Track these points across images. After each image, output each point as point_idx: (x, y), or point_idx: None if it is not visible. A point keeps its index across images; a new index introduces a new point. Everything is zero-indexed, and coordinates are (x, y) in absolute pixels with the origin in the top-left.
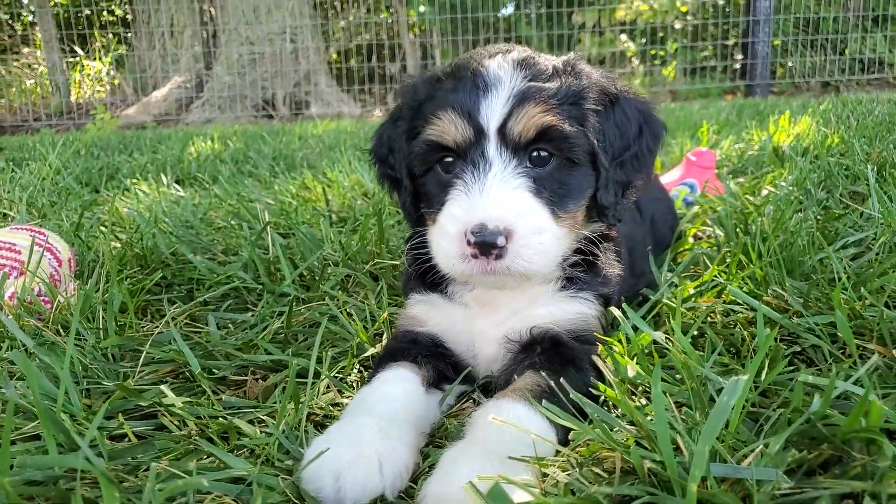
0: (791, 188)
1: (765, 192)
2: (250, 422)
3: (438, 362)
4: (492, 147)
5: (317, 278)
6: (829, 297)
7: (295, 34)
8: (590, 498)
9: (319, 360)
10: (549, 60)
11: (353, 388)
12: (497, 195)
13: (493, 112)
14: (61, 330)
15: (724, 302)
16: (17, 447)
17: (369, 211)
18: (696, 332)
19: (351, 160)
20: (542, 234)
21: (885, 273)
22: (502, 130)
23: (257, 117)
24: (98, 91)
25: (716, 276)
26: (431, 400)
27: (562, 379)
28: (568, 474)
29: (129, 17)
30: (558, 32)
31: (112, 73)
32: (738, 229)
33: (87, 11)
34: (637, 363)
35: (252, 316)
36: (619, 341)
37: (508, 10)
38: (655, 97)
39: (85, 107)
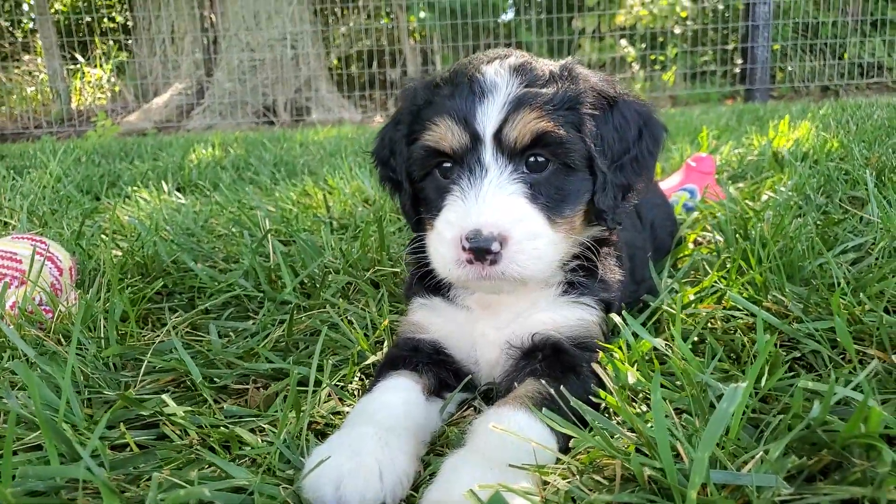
0: (791, 193)
1: (764, 198)
2: (252, 431)
3: (440, 370)
4: (488, 153)
5: (318, 286)
6: (829, 303)
7: (295, 40)
8: None
9: (320, 369)
10: (546, 65)
11: (355, 397)
12: (492, 201)
13: (489, 118)
14: (62, 339)
15: (724, 308)
16: (19, 457)
17: (370, 218)
18: (696, 339)
19: (352, 167)
20: (537, 240)
21: (885, 278)
22: (498, 136)
23: (258, 124)
24: (99, 98)
25: (716, 282)
26: (432, 408)
27: (562, 386)
28: (568, 482)
29: (130, 23)
30: (558, 38)
31: (113, 79)
32: (737, 235)
33: (88, 18)
34: (637, 370)
35: (253, 324)
36: (620, 348)
37: (508, 15)
38: (655, 102)
39: (86, 114)
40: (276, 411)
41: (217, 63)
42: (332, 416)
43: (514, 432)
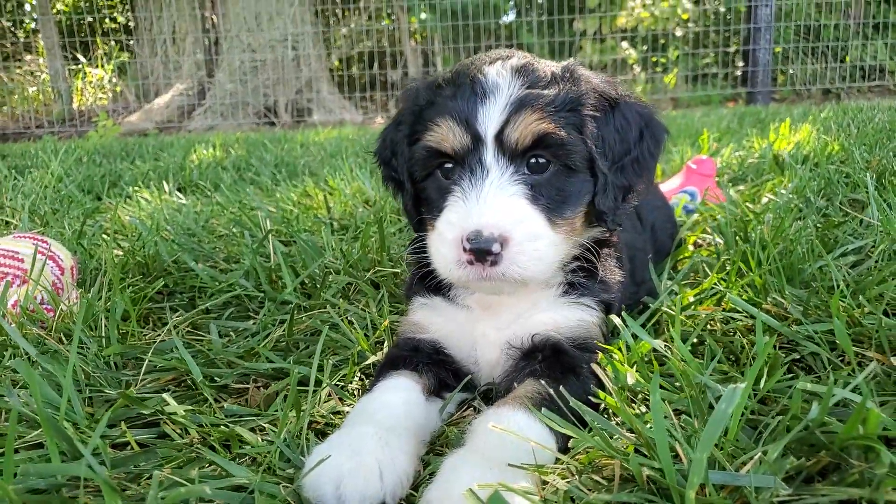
0: (791, 196)
1: (765, 200)
2: (252, 430)
3: (440, 370)
4: (489, 154)
5: (318, 286)
6: (828, 305)
7: (296, 41)
8: None
9: (321, 368)
10: (548, 67)
11: (355, 396)
12: (493, 202)
13: (490, 119)
14: (64, 338)
15: (724, 310)
16: (21, 455)
17: (370, 219)
18: (695, 340)
19: (352, 168)
20: (537, 241)
21: (884, 281)
22: (500, 137)
23: (259, 124)
24: (100, 98)
25: (715, 284)
26: (432, 408)
27: (562, 387)
28: (567, 482)
29: (132, 24)
30: (559, 39)
31: (114, 80)
32: (737, 237)
33: (90, 19)
34: (637, 371)
35: (253, 324)
36: (619, 349)
37: (510, 17)
38: (657, 104)
39: (87, 114)
40: (277, 410)
41: (218, 64)
42: (332, 416)
43: (514, 432)
